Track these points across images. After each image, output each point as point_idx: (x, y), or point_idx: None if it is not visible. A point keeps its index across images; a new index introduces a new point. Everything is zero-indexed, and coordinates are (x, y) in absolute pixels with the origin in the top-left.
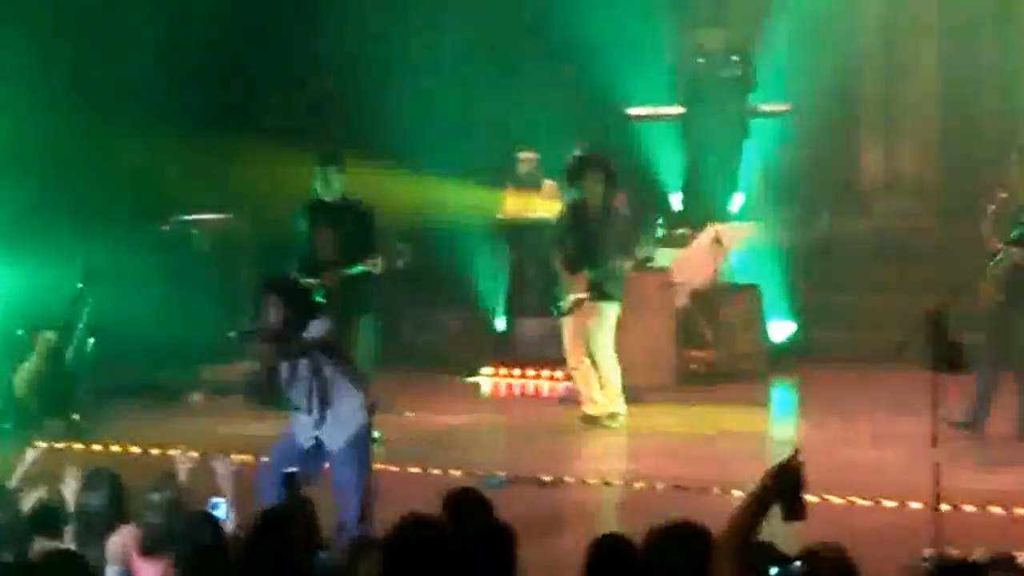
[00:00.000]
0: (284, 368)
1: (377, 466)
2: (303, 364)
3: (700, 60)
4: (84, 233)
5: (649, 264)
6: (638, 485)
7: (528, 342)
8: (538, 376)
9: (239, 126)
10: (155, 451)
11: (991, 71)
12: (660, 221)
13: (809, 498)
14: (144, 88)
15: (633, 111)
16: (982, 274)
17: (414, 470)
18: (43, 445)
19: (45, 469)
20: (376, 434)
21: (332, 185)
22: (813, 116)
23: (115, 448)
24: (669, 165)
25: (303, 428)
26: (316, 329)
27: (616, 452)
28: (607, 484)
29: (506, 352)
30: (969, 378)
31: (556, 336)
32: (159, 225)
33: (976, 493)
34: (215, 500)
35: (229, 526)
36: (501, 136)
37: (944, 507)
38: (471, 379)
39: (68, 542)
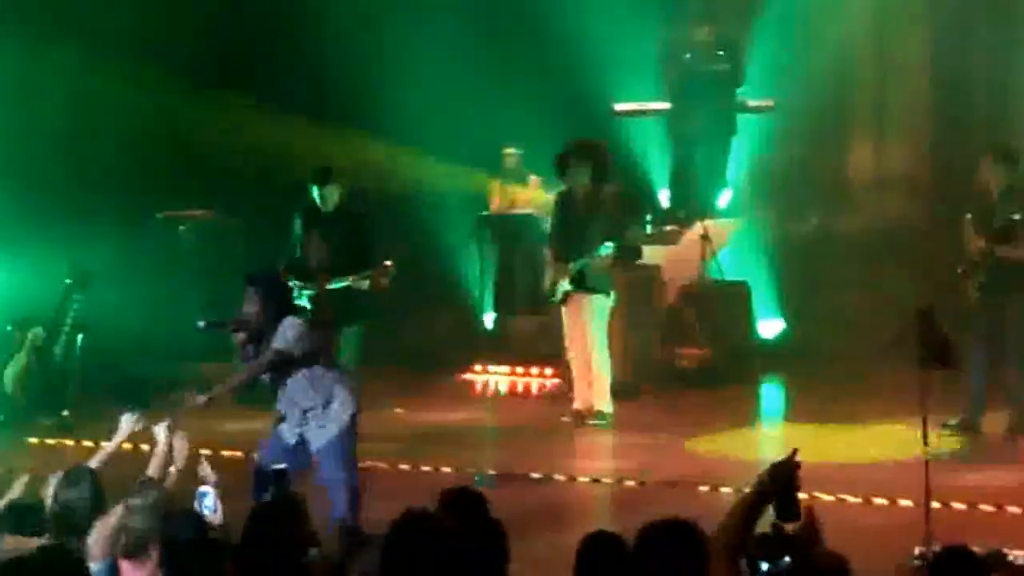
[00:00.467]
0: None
1: (367, 463)
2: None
3: (687, 55)
4: (72, 230)
5: (638, 260)
6: (628, 483)
7: (517, 339)
8: (527, 373)
9: (227, 120)
10: (145, 447)
11: (982, 68)
12: (648, 218)
13: (799, 496)
14: (130, 82)
15: (620, 107)
16: (966, 273)
17: (404, 467)
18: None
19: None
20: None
21: (327, 202)
22: (802, 112)
23: (105, 444)
24: (656, 161)
25: (288, 425)
26: (290, 332)
27: (605, 450)
28: (596, 482)
29: (495, 349)
30: (960, 376)
31: (546, 333)
32: (146, 221)
33: (967, 491)
34: (202, 489)
35: (218, 515)
36: (487, 131)
37: (935, 505)
38: (460, 376)
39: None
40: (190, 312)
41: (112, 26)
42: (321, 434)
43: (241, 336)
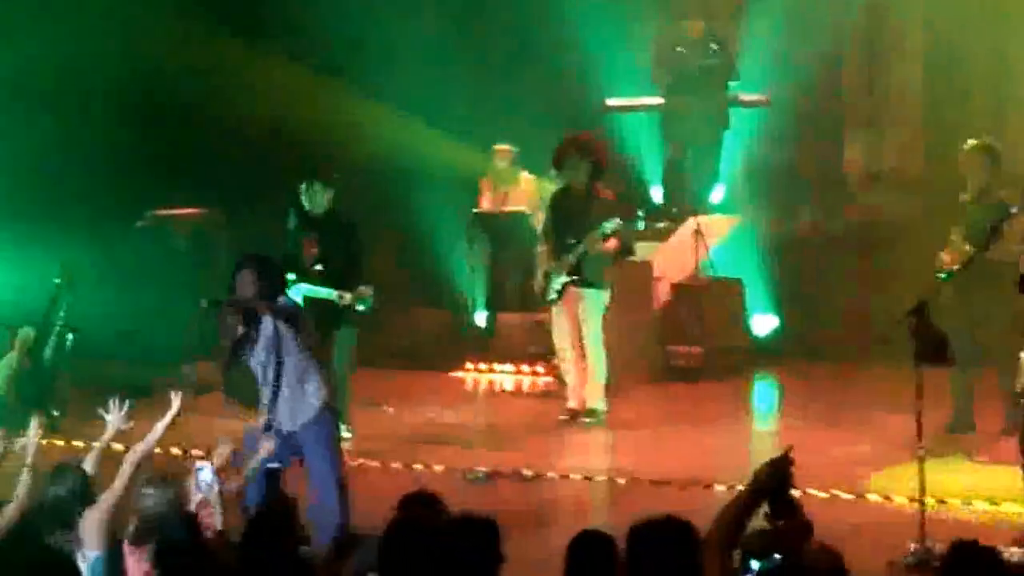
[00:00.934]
0: (250, 339)
1: (359, 462)
2: (265, 338)
3: (680, 50)
4: (61, 230)
5: (630, 256)
6: (620, 480)
7: (508, 337)
8: (519, 371)
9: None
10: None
11: (977, 62)
12: (640, 214)
13: (792, 492)
14: (118, 82)
15: (611, 102)
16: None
17: (396, 466)
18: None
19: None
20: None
21: (317, 200)
22: (795, 107)
23: (95, 444)
24: (649, 157)
25: (267, 412)
26: (286, 309)
27: (598, 447)
28: (589, 479)
29: (486, 347)
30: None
31: (536, 330)
32: (135, 221)
33: (962, 488)
34: (200, 464)
35: (215, 489)
36: (478, 129)
37: (929, 501)
38: (451, 375)
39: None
40: (180, 312)
41: (102, 22)
42: (291, 418)
43: (235, 318)
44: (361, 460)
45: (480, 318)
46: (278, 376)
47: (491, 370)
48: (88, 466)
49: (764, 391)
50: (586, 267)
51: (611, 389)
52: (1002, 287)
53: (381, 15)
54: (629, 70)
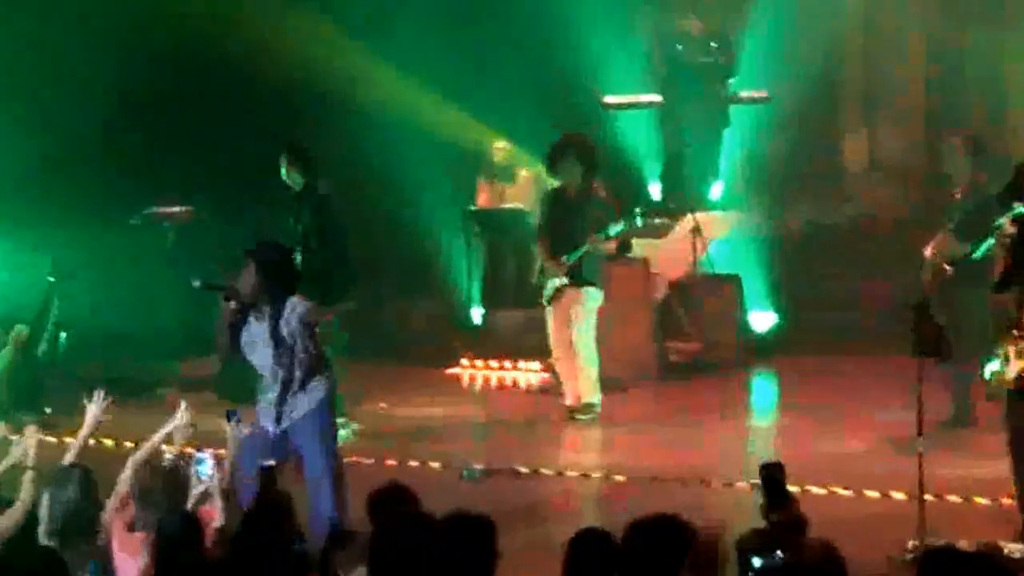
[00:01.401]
0: (247, 329)
1: (353, 458)
2: (274, 333)
3: (678, 46)
4: (54, 228)
5: (627, 253)
6: (617, 477)
7: (504, 333)
8: (514, 367)
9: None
10: (129, 444)
11: (975, 56)
12: (639, 211)
13: (791, 488)
14: (112, 79)
15: (610, 99)
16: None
17: (391, 462)
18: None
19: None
20: (354, 426)
21: (288, 176)
22: (794, 103)
23: (89, 442)
24: (647, 154)
25: (264, 409)
26: (300, 307)
27: (594, 444)
28: (585, 476)
29: (482, 343)
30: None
31: (532, 327)
32: (128, 219)
33: (961, 483)
34: (199, 455)
35: (214, 480)
36: (476, 125)
37: (928, 497)
38: (447, 371)
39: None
40: (172, 309)
41: (95, 18)
42: (294, 411)
43: (232, 305)
44: (356, 457)
45: (476, 314)
46: (288, 373)
47: (486, 366)
48: (68, 459)
49: (762, 387)
50: (584, 267)
51: (608, 385)
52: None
53: (371, 14)
54: (628, 67)
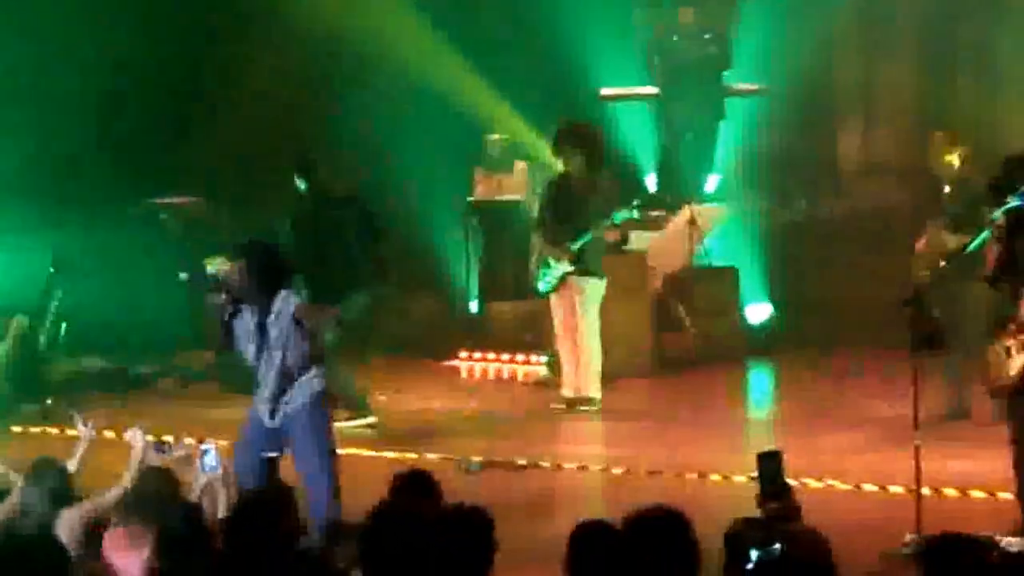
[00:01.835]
0: (240, 323)
1: (351, 451)
2: (262, 328)
3: (675, 39)
4: (56, 218)
5: (624, 245)
6: (615, 470)
7: (502, 325)
8: (513, 360)
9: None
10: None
11: (969, 52)
12: (635, 203)
13: (789, 482)
14: (117, 69)
15: (606, 91)
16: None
17: (389, 455)
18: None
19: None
20: (372, 419)
21: (299, 188)
22: (790, 97)
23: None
24: (644, 146)
25: (260, 402)
26: (288, 302)
27: (592, 436)
28: (583, 468)
29: (480, 336)
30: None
31: (530, 319)
32: (131, 209)
33: (958, 477)
34: (204, 447)
35: (219, 472)
36: (472, 117)
37: (925, 491)
38: (445, 363)
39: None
40: (173, 301)
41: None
42: (289, 404)
43: (221, 297)
44: (353, 449)
45: (474, 307)
46: (280, 367)
47: (484, 359)
48: (71, 467)
49: (758, 380)
50: (587, 256)
51: (605, 378)
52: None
53: (371, 5)
54: (624, 60)
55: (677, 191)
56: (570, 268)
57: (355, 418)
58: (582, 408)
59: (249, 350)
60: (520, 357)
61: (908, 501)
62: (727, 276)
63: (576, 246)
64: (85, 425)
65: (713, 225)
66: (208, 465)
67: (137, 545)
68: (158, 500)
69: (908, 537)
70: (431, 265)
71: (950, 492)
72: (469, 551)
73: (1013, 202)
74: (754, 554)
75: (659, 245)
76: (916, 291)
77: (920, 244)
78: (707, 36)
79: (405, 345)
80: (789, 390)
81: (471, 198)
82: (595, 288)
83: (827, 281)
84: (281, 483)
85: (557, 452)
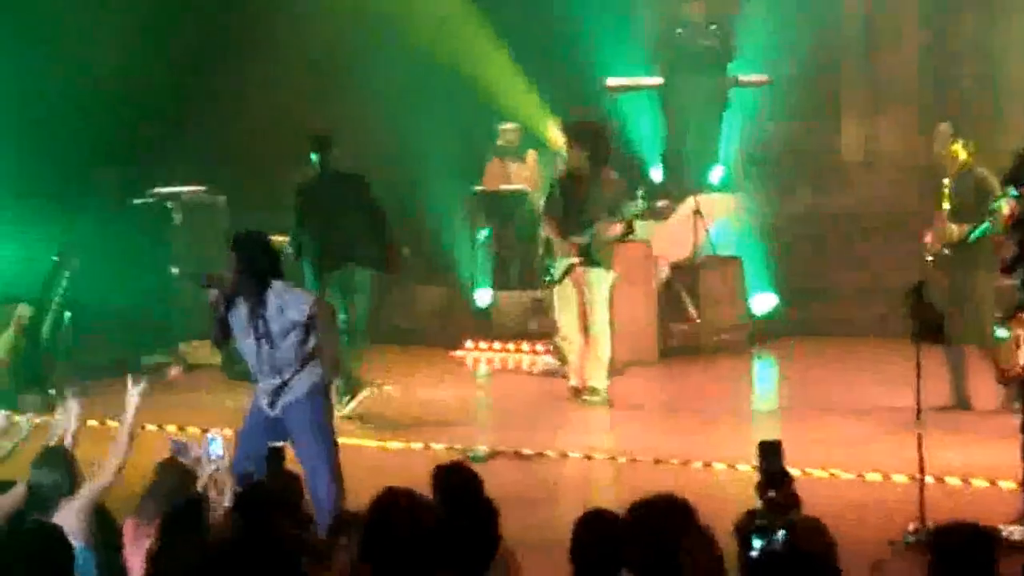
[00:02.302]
0: (236, 315)
1: (356, 441)
2: (254, 322)
3: (679, 30)
4: (60, 207)
5: (630, 235)
6: (620, 459)
7: (509, 316)
8: (519, 350)
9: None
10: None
11: (974, 44)
12: (640, 193)
13: (791, 471)
14: (122, 58)
15: (611, 82)
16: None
17: (396, 445)
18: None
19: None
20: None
21: (311, 161)
22: (794, 88)
23: (92, 423)
24: (649, 136)
25: (260, 393)
26: (301, 304)
27: (598, 426)
28: (589, 458)
29: (487, 326)
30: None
31: (537, 309)
32: (135, 198)
33: (961, 466)
34: (210, 436)
35: (224, 461)
36: (482, 107)
37: (928, 480)
38: (451, 353)
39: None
40: (176, 290)
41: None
42: (288, 397)
43: (213, 293)
44: (359, 439)
45: (480, 296)
46: (278, 360)
47: (491, 349)
48: (121, 447)
49: (763, 369)
50: (595, 248)
51: (611, 367)
52: (984, 265)
53: None
54: (629, 50)
55: (682, 181)
56: (576, 260)
57: (353, 398)
58: (588, 398)
59: (246, 343)
60: (527, 347)
61: (912, 490)
62: (732, 266)
63: (582, 239)
64: (75, 399)
65: (718, 215)
66: (214, 453)
67: (145, 535)
68: (174, 493)
69: (911, 526)
70: (438, 255)
71: (953, 481)
72: (474, 542)
73: (1014, 192)
74: (757, 543)
75: (664, 235)
76: (916, 282)
77: (929, 236)
78: (712, 27)
79: (412, 335)
80: (793, 379)
81: (478, 188)
82: (603, 278)
83: (831, 271)
84: (287, 472)
85: (563, 441)
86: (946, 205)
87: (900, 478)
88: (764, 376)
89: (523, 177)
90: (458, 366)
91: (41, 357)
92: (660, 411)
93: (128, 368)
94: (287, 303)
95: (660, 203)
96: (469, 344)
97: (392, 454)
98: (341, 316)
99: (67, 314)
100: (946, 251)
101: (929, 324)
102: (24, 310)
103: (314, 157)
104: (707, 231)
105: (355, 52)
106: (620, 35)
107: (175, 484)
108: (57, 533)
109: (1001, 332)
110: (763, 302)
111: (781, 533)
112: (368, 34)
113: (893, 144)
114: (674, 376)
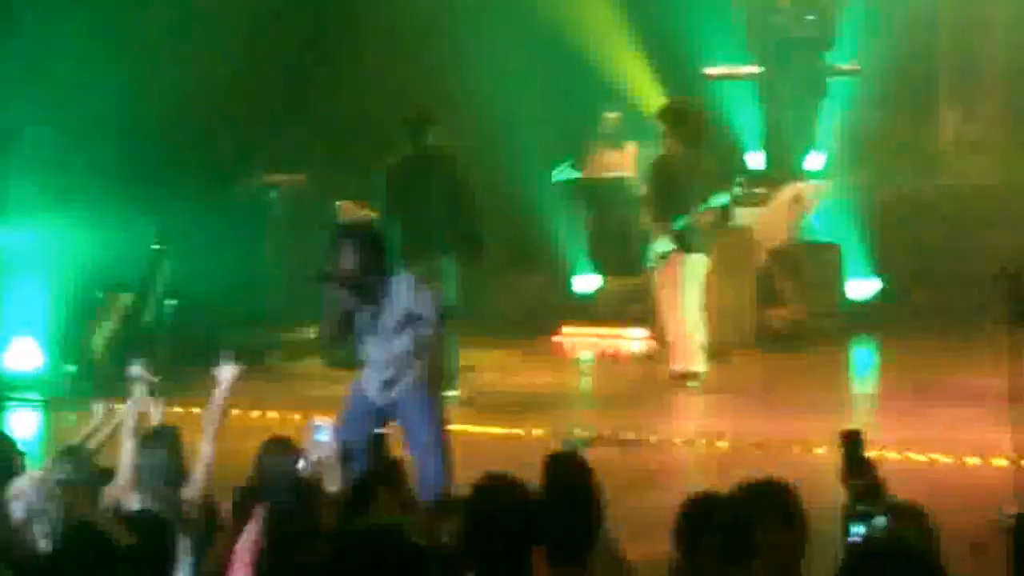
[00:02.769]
0: (363, 314)
1: (459, 427)
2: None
3: (776, 19)
4: (161, 195)
5: (729, 222)
6: (720, 444)
7: (608, 301)
8: (619, 336)
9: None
10: (234, 411)
11: None
12: (739, 180)
13: (891, 455)
14: (226, 47)
15: (711, 71)
16: None
17: (496, 431)
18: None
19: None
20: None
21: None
22: (890, 74)
23: (195, 410)
24: (748, 124)
25: (369, 382)
26: (421, 300)
27: (698, 410)
28: (689, 443)
29: (587, 312)
30: None
31: (636, 295)
32: (233, 187)
33: None
34: (316, 423)
35: (331, 448)
36: (583, 96)
37: None
38: (552, 339)
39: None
40: (278, 277)
41: None
42: (400, 389)
43: (340, 289)
44: (460, 426)
45: (580, 282)
46: (396, 349)
47: (591, 334)
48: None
49: (862, 355)
50: (690, 235)
51: (710, 352)
52: None
53: None
54: (727, 39)
55: (781, 168)
56: (671, 247)
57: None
58: (688, 383)
59: (362, 335)
60: (626, 332)
61: (1010, 474)
62: (830, 252)
63: (676, 226)
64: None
65: (816, 201)
66: (320, 441)
67: (247, 518)
68: (276, 476)
69: (1009, 509)
70: (538, 242)
71: None
72: (573, 526)
73: None
74: (858, 529)
75: (764, 221)
76: (1014, 265)
77: None
78: (808, 16)
79: (512, 322)
80: (892, 364)
81: (578, 174)
82: (697, 265)
83: (929, 257)
84: (392, 459)
85: (663, 427)
86: None
87: (1001, 462)
88: (862, 362)
89: (621, 165)
90: (558, 351)
91: (143, 345)
92: (760, 396)
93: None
94: (407, 297)
95: (759, 190)
96: (569, 330)
97: (492, 440)
98: None
99: (169, 302)
100: None
101: (1021, 307)
102: (127, 299)
103: (407, 140)
104: (806, 217)
105: (457, 35)
106: (719, 24)
107: (279, 466)
108: (160, 520)
109: None
110: (861, 288)
111: (881, 519)
112: (471, 15)
113: (989, 129)
114: (773, 361)
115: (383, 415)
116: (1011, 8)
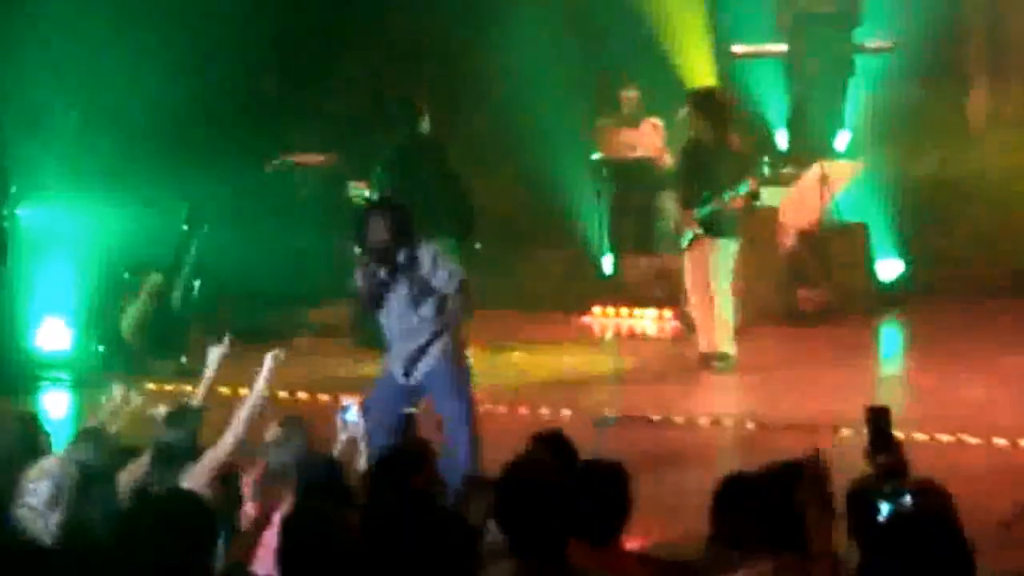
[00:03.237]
0: (391, 288)
1: (486, 407)
2: (415, 289)
3: None
4: (190, 175)
5: (756, 203)
6: (749, 424)
7: (634, 281)
8: (645, 316)
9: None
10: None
11: None
12: (766, 160)
13: (918, 436)
14: (244, 25)
15: (737, 48)
16: None
17: (523, 411)
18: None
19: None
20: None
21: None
22: (919, 52)
23: (224, 390)
24: (775, 103)
25: (395, 361)
26: (448, 275)
27: (725, 391)
28: (717, 423)
29: (612, 292)
30: None
31: (663, 274)
32: (262, 166)
33: None
34: (345, 402)
35: (360, 429)
36: (603, 74)
37: None
38: (578, 319)
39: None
40: (306, 257)
41: None
42: (424, 366)
43: (372, 264)
44: (488, 404)
45: (606, 262)
46: (412, 322)
47: (618, 314)
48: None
49: (890, 335)
50: (719, 216)
51: (738, 333)
52: None
53: None
54: (754, 17)
55: (808, 147)
56: (699, 232)
57: None
58: (716, 364)
59: (387, 308)
60: (652, 312)
61: None
62: (858, 232)
63: (703, 211)
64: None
65: (844, 181)
66: (349, 421)
67: (275, 496)
68: (300, 452)
69: None
70: (564, 222)
71: None
72: (606, 505)
73: None
74: (885, 507)
75: (791, 201)
76: None
77: None
78: None
79: (538, 301)
80: (920, 344)
81: (598, 155)
82: (726, 248)
83: (958, 236)
84: (420, 438)
85: (690, 407)
86: None
87: None
88: (890, 341)
89: (640, 143)
90: (584, 331)
91: (172, 325)
92: (788, 376)
93: (260, 337)
94: (434, 270)
95: (786, 170)
96: (596, 310)
97: (519, 419)
98: None
99: (197, 282)
100: None
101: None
102: (155, 279)
103: (403, 127)
104: (833, 197)
105: (477, 23)
106: (745, 2)
107: (300, 442)
108: (196, 499)
109: None
110: (889, 267)
111: (908, 497)
112: (490, 6)
113: (1021, 106)
114: (801, 341)
115: (414, 395)
116: None
